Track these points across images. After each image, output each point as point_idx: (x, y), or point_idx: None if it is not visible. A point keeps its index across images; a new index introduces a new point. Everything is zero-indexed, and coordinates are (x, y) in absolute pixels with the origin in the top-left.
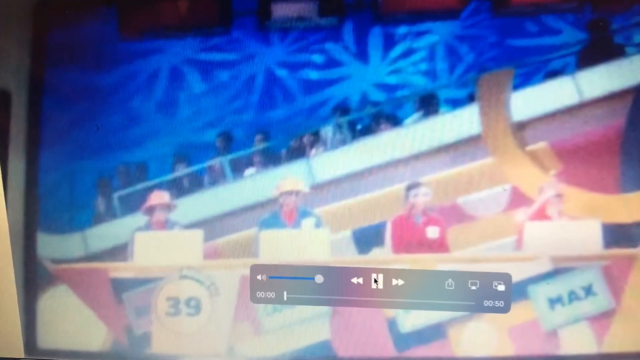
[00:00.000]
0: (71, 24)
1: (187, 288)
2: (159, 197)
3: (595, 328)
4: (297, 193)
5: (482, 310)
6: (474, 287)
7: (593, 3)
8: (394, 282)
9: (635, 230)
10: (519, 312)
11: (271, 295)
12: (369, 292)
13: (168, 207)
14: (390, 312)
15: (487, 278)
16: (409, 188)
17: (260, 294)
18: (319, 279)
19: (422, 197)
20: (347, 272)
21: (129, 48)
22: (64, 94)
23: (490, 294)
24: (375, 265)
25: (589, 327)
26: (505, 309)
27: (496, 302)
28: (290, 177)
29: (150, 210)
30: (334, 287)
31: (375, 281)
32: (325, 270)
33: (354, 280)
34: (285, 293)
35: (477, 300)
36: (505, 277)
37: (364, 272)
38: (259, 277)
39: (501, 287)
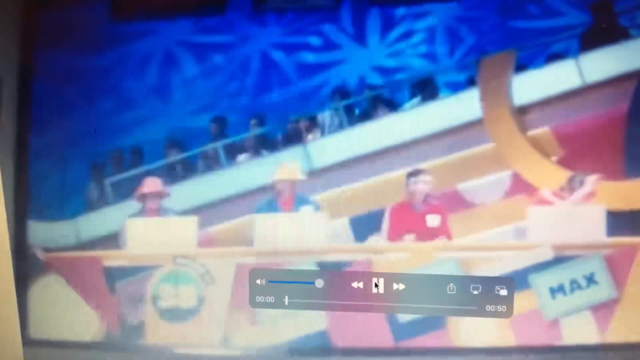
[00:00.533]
0: (61, 6)
1: (181, 276)
2: (152, 184)
3: (597, 318)
4: (293, 181)
5: (484, 315)
6: (475, 292)
7: None
8: (395, 286)
9: (639, 218)
10: (520, 301)
11: (271, 299)
12: (369, 296)
13: (161, 194)
14: None
15: (490, 282)
16: (410, 175)
17: (259, 299)
18: (319, 283)
19: (422, 185)
20: (348, 276)
21: (121, 30)
22: (55, 78)
23: (492, 299)
24: (372, 252)
25: (591, 317)
26: (508, 314)
27: (498, 306)
28: (286, 164)
29: (143, 198)
30: (334, 291)
31: (376, 285)
32: (326, 274)
33: (355, 284)
34: (285, 297)
35: (479, 305)
36: (507, 282)
37: (365, 276)
38: (258, 281)
39: (503, 292)
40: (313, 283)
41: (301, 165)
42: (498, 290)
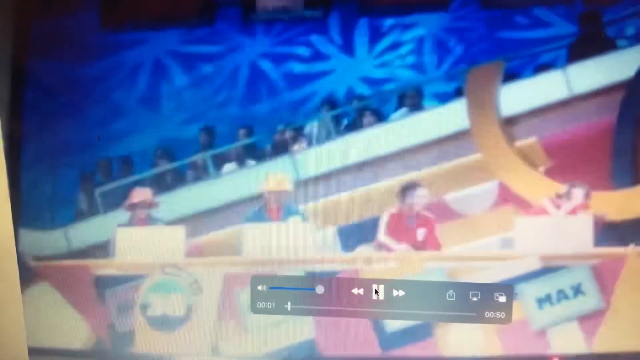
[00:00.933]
0: (52, 16)
1: (169, 286)
2: (140, 194)
3: (584, 328)
4: (281, 192)
5: (484, 322)
6: (475, 299)
7: None
8: (395, 293)
9: (626, 228)
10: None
11: (271, 305)
12: (369, 302)
13: (150, 204)
14: None
15: (489, 289)
16: (405, 189)
17: (260, 304)
18: (320, 289)
19: (419, 199)
20: (348, 282)
21: (111, 40)
22: (46, 87)
23: (491, 305)
24: (360, 262)
25: (578, 327)
26: (506, 320)
27: (497, 313)
28: (274, 175)
29: (132, 207)
30: (334, 297)
31: (376, 292)
32: (326, 281)
33: (355, 291)
34: (286, 303)
35: (478, 311)
36: (507, 289)
37: (365, 283)
38: (259, 287)
39: (502, 299)
40: (313, 289)
41: (289, 175)
42: (497, 297)
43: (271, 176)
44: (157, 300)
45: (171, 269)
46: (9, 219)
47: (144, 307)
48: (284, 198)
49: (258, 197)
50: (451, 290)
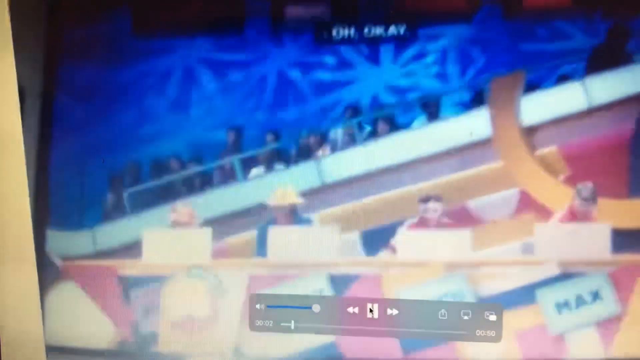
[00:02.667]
0: (86, 22)
1: (195, 287)
2: (185, 214)
3: (602, 333)
4: (289, 205)
5: (474, 340)
6: (466, 317)
7: (603, 9)
8: (389, 311)
9: None
10: (527, 316)
11: (269, 323)
12: (364, 321)
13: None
14: None
15: (479, 308)
16: (420, 201)
17: (259, 322)
18: (316, 308)
19: (432, 213)
20: (343, 301)
21: (142, 46)
22: (78, 91)
23: (482, 324)
24: (382, 266)
25: (596, 333)
26: (496, 339)
27: (488, 331)
28: (280, 189)
29: (176, 225)
30: (330, 316)
31: (371, 310)
32: (322, 299)
33: (350, 309)
34: (283, 322)
35: (470, 329)
36: (496, 308)
37: (360, 302)
38: (257, 306)
39: (492, 317)
40: (310, 308)
41: (313, 179)
42: (487, 316)
43: (278, 191)
44: (182, 301)
45: (197, 270)
46: (28, 220)
47: (169, 308)
48: (292, 211)
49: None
50: (443, 309)
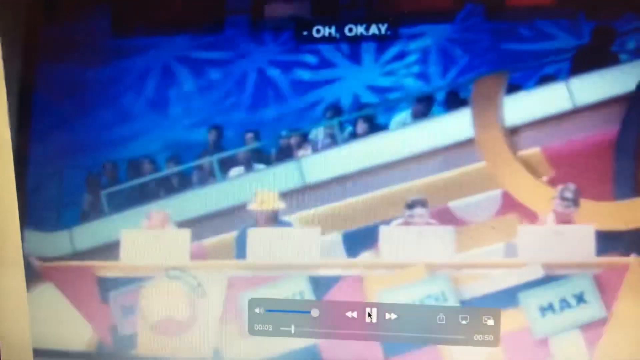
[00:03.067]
0: (63, 20)
1: (174, 288)
2: (158, 218)
3: (586, 337)
4: (268, 211)
5: (473, 344)
6: (464, 322)
7: (587, 10)
8: (387, 315)
9: (628, 238)
10: (510, 319)
11: (268, 327)
12: (363, 325)
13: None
14: None
15: (477, 313)
16: (407, 207)
17: (257, 327)
18: (315, 312)
19: (418, 219)
20: (342, 306)
21: (121, 45)
22: (56, 89)
23: (480, 328)
24: (364, 268)
25: (581, 336)
26: (494, 343)
27: (486, 336)
28: (261, 193)
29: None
30: (329, 320)
31: (370, 315)
32: (321, 304)
33: (349, 314)
34: (282, 326)
35: (467, 334)
36: (494, 313)
37: (359, 306)
38: (256, 310)
39: (490, 322)
40: (309, 312)
41: (294, 180)
42: (485, 321)
43: (258, 195)
44: (161, 303)
45: (175, 272)
46: (16, 220)
47: (147, 310)
48: (272, 216)
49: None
50: (441, 314)
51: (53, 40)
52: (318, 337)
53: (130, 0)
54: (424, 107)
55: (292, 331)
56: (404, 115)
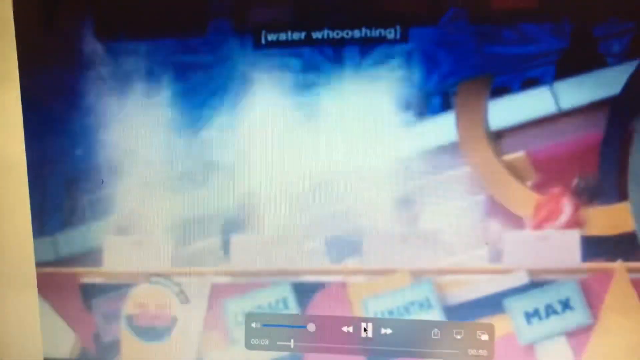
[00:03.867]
0: (46, 24)
1: (156, 295)
2: None
3: (573, 343)
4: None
5: (467, 359)
6: (458, 337)
7: (571, 13)
8: (383, 330)
9: (614, 243)
10: (496, 325)
11: (265, 342)
12: (358, 340)
13: None
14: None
15: (471, 328)
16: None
17: (254, 341)
18: (311, 327)
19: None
20: (338, 320)
21: (104, 49)
22: (38, 94)
23: (474, 343)
24: (347, 274)
25: (567, 343)
26: (488, 358)
27: (480, 350)
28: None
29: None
30: (325, 335)
31: (365, 330)
32: (317, 318)
33: (345, 328)
34: (279, 340)
35: (462, 349)
36: (488, 327)
37: (354, 321)
38: (253, 324)
39: (484, 337)
40: (305, 327)
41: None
42: (479, 335)
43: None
44: (143, 310)
45: (157, 278)
46: (29, 225)
47: (130, 317)
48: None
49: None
50: (436, 329)
51: (36, 45)
52: (315, 352)
53: (113, 3)
54: (406, 111)
55: (292, 346)
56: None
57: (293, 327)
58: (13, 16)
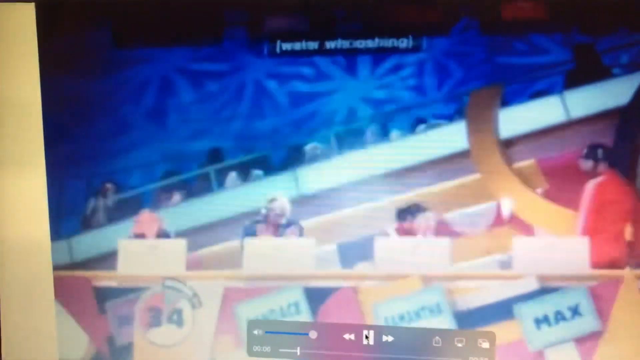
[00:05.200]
0: (65, 33)
1: (169, 299)
2: (147, 220)
3: (581, 350)
4: (283, 215)
5: None
6: (460, 345)
7: (580, 24)
8: (384, 338)
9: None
10: (505, 331)
11: (267, 349)
12: (360, 347)
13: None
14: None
15: (473, 336)
16: (406, 213)
17: (256, 348)
18: (313, 334)
19: (424, 222)
20: (340, 328)
21: (122, 57)
22: (56, 101)
23: (475, 351)
24: (358, 279)
25: (576, 349)
26: None
27: (481, 358)
28: (280, 198)
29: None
30: (327, 342)
31: (367, 337)
32: (319, 326)
33: (346, 336)
34: (281, 347)
35: (463, 357)
36: (489, 336)
37: (356, 329)
38: (255, 331)
39: (485, 345)
40: (307, 334)
41: (291, 191)
42: (480, 344)
43: (275, 199)
44: (157, 313)
45: (171, 282)
46: (47, 229)
47: (143, 320)
48: (280, 219)
49: (258, 213)
50: (437, 337)
51: (55, 53)
52: (317, 359)
53: (130, 12)
54: (418, 119)
55: (291, 353)
56: (399, 127)
57: (295, 334)
58: (36, 27)
